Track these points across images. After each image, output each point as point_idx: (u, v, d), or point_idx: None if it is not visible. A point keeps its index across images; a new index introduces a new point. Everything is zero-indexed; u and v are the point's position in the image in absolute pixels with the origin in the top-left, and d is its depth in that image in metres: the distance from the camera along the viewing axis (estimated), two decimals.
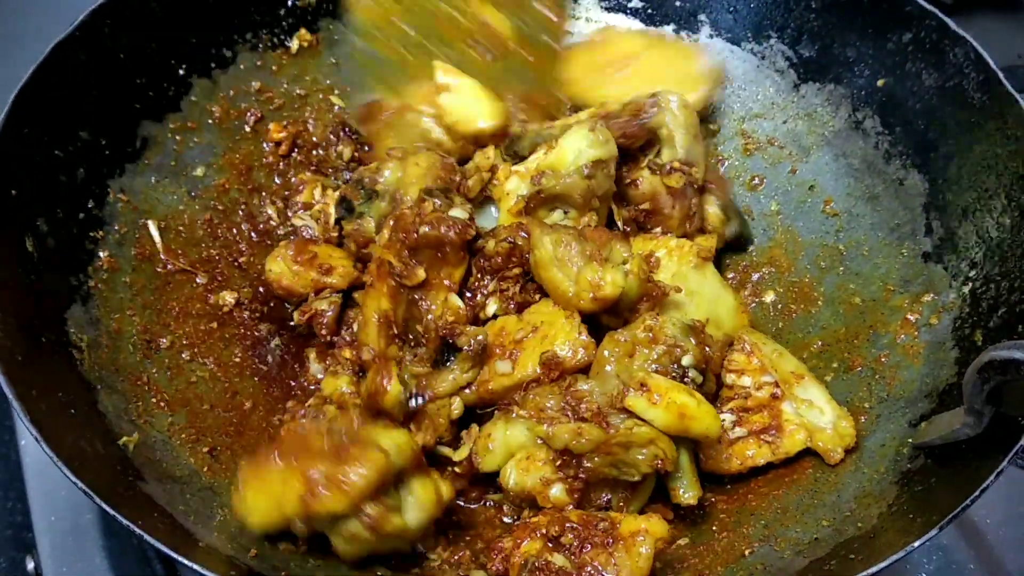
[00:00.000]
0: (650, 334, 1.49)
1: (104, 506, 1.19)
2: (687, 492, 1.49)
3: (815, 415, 1.57)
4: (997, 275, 1.55)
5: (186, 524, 1.33)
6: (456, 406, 1.56)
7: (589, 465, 1.43)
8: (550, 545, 1.37)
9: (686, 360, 1.49)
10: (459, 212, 1.62)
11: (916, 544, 1.19)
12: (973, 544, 1.71)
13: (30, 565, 1.66)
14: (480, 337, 1.54)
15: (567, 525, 1.38)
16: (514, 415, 1.49)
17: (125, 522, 1.19)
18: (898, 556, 1.17)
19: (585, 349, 1.52)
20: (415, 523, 1.40)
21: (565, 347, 1.52)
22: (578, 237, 1.57)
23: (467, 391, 1.56)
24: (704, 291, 1.68)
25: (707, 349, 1.53)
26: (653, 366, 1.48)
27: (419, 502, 1.41)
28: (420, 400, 1.53)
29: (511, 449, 1.51)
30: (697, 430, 1.43)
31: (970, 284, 1.59)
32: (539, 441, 1.47)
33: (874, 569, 1.17)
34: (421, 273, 1.57)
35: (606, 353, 1.50)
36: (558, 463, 1.45)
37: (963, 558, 1.70)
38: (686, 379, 1.49)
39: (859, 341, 1.69)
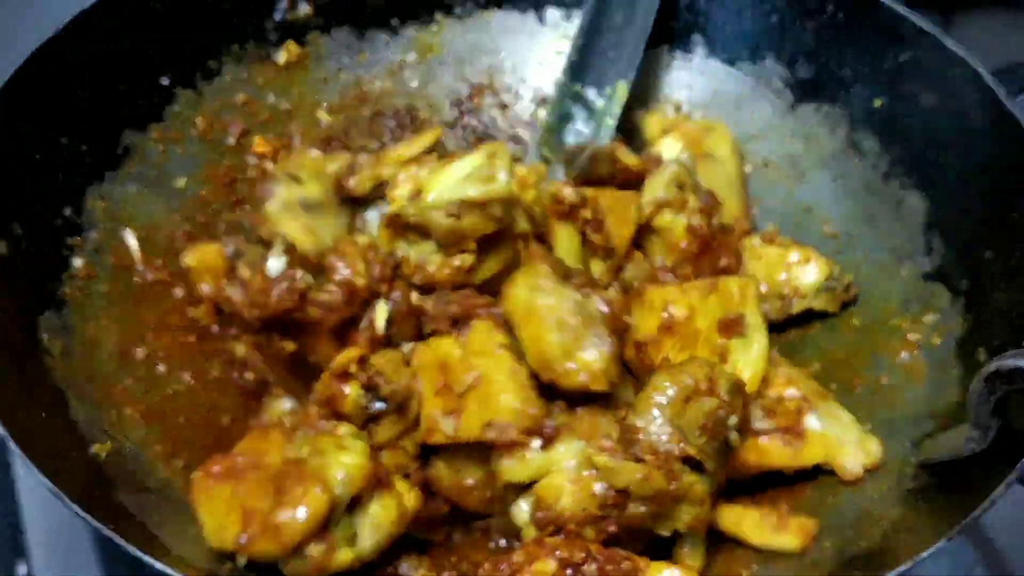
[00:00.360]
0: (708, 384, 1.37)
1: (75, 509, 1.15)
2: (693, 558, 1.39)
3: (840, 430, 1.50)
4: (998, 294, 1.51)
5: (159, 534, 1.27)
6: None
7: (634, 511, 1.31)
8: (569, 572, 1.29)
9: (731, 421, 1.37)
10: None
11: (924, 555, 1.14)
12: (981, 547, 1.68)
13: (22, 570, 1.65)
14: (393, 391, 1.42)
15: (589, 554, 1.29)
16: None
17: (95, 524, 1.15)
18: (904, 568, 1.13)
19: (534, 423, 1.36)
20: (370, 548, 1.31)
21: (510, 419, 1.35)
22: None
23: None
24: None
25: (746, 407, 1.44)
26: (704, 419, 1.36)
27: (376, 523, 1.31)
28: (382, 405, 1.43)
29: (549, 468, 1.35)
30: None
31: (972, 303, 1.56)
32: (591, 472, 1.33)
33: None
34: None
35: (663, 392, 1.35)
36: (608, 501, 1.32)
37: (970, 561, 1.67)
38: (728, 441, 1.39)
39: (858, 362, 1.65)
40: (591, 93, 1.90)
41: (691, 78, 1.97)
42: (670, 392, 1.35)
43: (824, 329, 1.73)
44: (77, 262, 1.57)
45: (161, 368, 1.57)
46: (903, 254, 1.70)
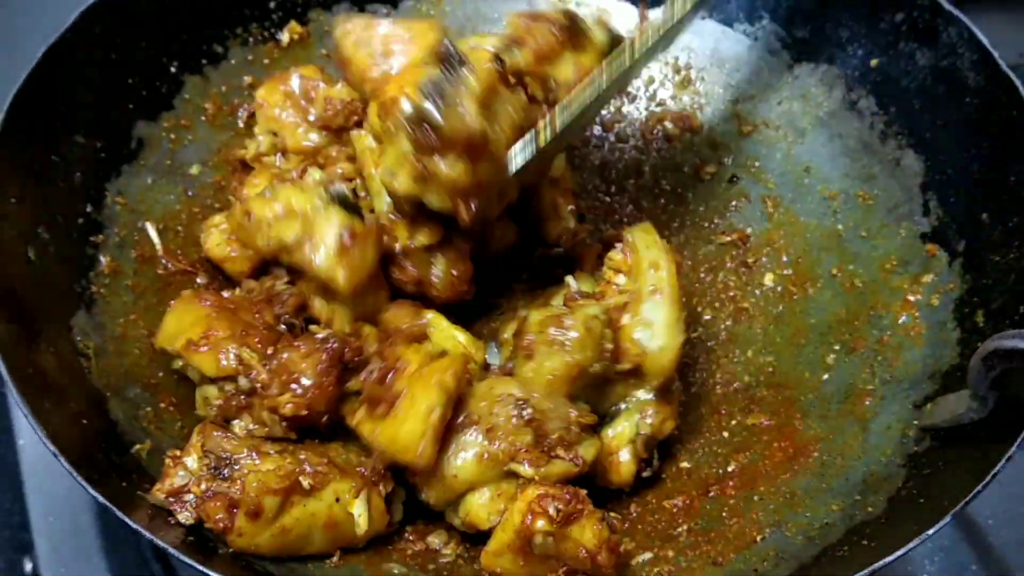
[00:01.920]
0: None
1: (123, 517, 1.20)
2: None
3: (646, 336, 1.53)
4: (995, 256, 1.56)
5: (204, 532, 1.33)
6: None
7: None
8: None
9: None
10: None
11: (931, 532, 1.20)
12: (974, 545, 1.72)
13: (28, 566, 1.68)
14: None
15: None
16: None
17: (148, 535, 1.19)
18: (912, 545, 1.19)
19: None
20: None
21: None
22: None
23: None
24: None
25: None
26: None
27: None
28: None
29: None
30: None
31: (969, 265, 1.60)
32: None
33: (890, 559, 1.18)
34: None
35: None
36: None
37: (964, 559, 1.70)
38: None
39: (860, 323, 1.70)
40: None
41: (689, 39, 1.98)
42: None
43: (826, 288, 1.77)
44: (102, 259, 1.61)
45: None
46: (901, 214, 1.74)
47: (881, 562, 1.18)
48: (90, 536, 1.67)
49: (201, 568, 1.21)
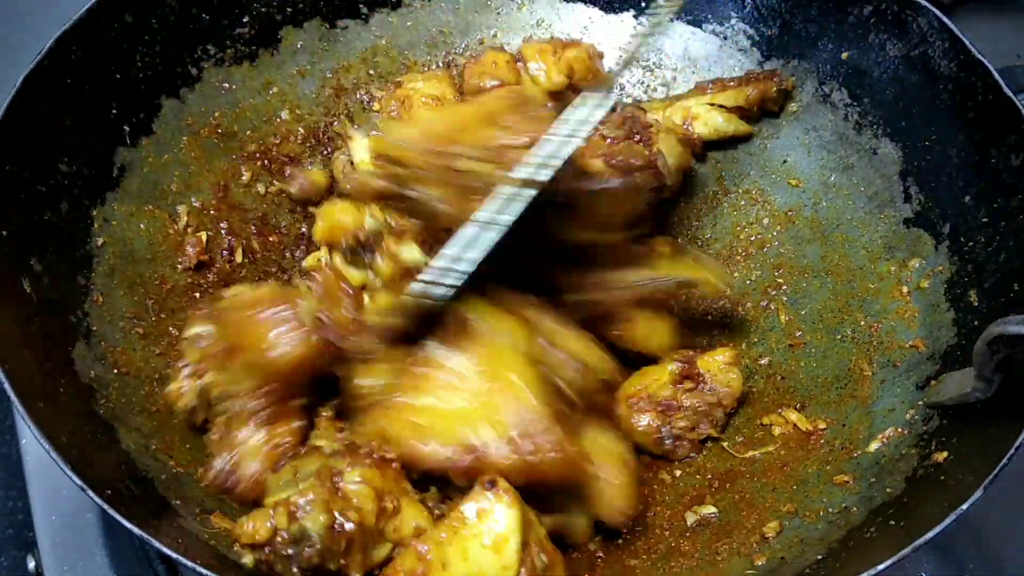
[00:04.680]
0: None
1: (159, 546, 1.17)
2: None
3: None
4: (982, 237, 1.59)
5: (228, 554, 1.31)
6: None
7: None
8: None
9: None
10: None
11: (964, 507, 1.22)
12: (973, 544, 1.73)
13: (31, 564, 1.66)
14: None
15: None
16: None
17: (175, 556, 1.17)
18: (948, 520, 1.21)
19: None
20: None
21: None
22: None
23: None
24: None
25: None
26: None
27: None
28: None
29: None
30: None
31: (956, 247, 1.64)
32: None
33: (929, 535, 1.20)
34: None
35: None
36: None
37: (963, 557, 1.72)
38: None
39: (851, 310, 1.73)
40: None
41: (659, 41, 2.01)
42: None
43: (815, 277, 1.80)
44: (94, 288, 1.57)
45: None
46: (882, 201, 1.78)
47: (922, 539, 1.20)
48: (93, 534, 1.66)
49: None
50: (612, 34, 2.03)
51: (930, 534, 1.20)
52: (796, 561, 1.39)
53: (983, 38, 1.66)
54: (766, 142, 1.94)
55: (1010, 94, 1.58)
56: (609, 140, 1.75)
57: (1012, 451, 1.25)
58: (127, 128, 1.70)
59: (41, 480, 1.69)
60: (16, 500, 1.77)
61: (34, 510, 1.67)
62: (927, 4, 1.70)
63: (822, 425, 1.62)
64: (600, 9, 2.04)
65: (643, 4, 2.01)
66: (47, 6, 2.11)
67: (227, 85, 1.85)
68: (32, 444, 1.69)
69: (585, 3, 2.04)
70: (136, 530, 1.16)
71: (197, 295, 1.69)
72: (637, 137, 1.77)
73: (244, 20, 1.85)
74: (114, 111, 1.68)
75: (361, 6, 1.96)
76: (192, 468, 1.48)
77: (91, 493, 1.18)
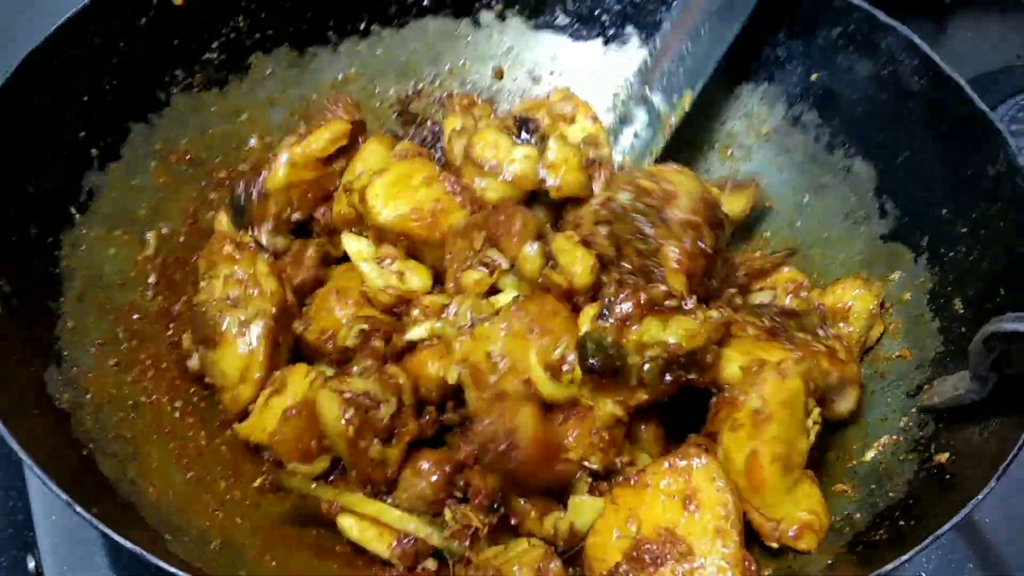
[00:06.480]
0: None
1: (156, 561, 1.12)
2: None
3: None
4: (961, 247, 1.61)
5: None
6: None
7: None
8: None
9: None
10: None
11: (980, 496, 1.21)
12: (973, 543, 1.73)
13: (31, 564, 1.65)
14: None
15: None
16: None
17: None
18: (967, 510, 1.20)
19: None
20: None
21: None
22: None
23: None
24: None
25: None
26: None
27: None
28: None
29: None
30: None
31: (935, 258, 1.65)
32: None
33: (947, 526, 1.19)
34: None
35: None
36: None
37: (963, 557, 1.71)
38: None
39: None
40: (658, 99, 1.90)
41: (629, 68, 2.01)
42: None
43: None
44: (64, 312, 1.52)
45: (171, 411, 1.54)
46: (858, 219, 1.79)
47: (940, 530, 1.18)
48: (93, 534, 1.62)
49: None
50: (580, 62, 2.03)
51: (947, 525, 1.18)
52: (804, 569, 1.36)
53: (983, 38, 1.67)
54: (739, 165, 1.95)
55: (983, 107, 1.61)
56: None
57: (1020, 441, 1.24)
58: (95, 152, 1.66)
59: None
60: (16, 500, 1.71)
61: (34, 510, 1.65)
62: (895, 24, 1.73)
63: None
64: (569, 37, 2.04)
65: (611, 32, 2.02)
66: (14, 27, 2.06)
67: (196, 111, 1.81)
68: None
69: (554, 31, 2.04)
70: (130, 545, 1.11)
71: (164, 323, 1.64)
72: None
73: (213, 46, 1.81)
74: (82, 134, 1.64)
75: (330, 33, 1.94)
76: (167, 494, 1.42)
77: (79, 508, 1.12)
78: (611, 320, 1.40)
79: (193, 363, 1.58)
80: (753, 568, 1.31)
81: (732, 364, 1.46)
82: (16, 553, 1.68)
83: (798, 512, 1.40)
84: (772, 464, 1.38)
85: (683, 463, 1.37)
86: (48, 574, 1.60)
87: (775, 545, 1.40)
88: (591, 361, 1.37)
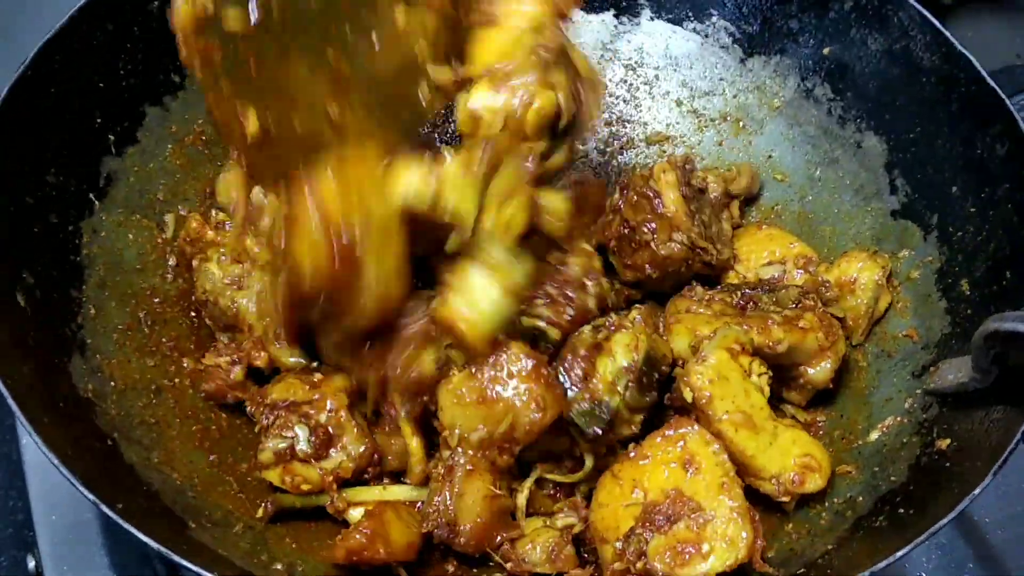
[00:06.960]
0: None
1: (176, 558, 1.16)
2: None
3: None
4: (971, 227, 1.61)
5: (246, 567, 1.29)
6: None
7: None
8: None
9: None
10: None
11: (977, 492, 1.23)
12: (972, 543, 1.74)
13: (31, 564, 1.66)
14: None
15: None
16: None
17: (197, 570, 1.16)
18: (960, 507, 1.22)
19: None
20: None
21: None
22: None
23: None
24: None
25: None
26: None
27: None
28: None
29: None
30: None
31: (945, 236, 1.65)
32: None
33: (938, 526, 1.21)
34: None
35: None
36: None
37: (962, 556, 1.73)
38: None
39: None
40: None
41: (640, 40, 2.02)
42: None
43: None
44: (86, 300, 1.55)
45: (191, 392, 1.58)
46: (869, 194, 1.80)
47: (936, 526, 1.21)
48: (93, 534, 1.65)
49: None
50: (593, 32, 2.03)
51: (944, 520, 1.21)
52: (806, 552, 1.40)
53: (983, 38, 1.65)
54: (750, 138, 1.95)
55: (993, 85, 1.61)
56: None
57: (1018, 435, 1.27)
58: (112, 137, 1.67)
59: (41, 480, 1.69)
60: (16, 500, 1.75)
61: (34, 510, 1.66)
62: None
63: (821, 417, 1.63)
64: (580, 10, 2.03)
65: (623, 4, 2.01)
66: (28, 16, 2.08)
67: None
68: (32, 444, 1.66)
69: None
70: (152, 543, 1.14)
71: (182, 309, 1.68)
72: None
73: None
74: (99, 120, 1.65)
75: None
76: (192, 480, 1.46)
77: (104, 507, 1.16)
78: (576, 386, 1.46)
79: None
80: (757, 519, 1.36)
81: (680, 340, 1.57)
82: (16, 553, 1.71)
83: (790, 460, 1.45)
84: (738, 433, 1.44)
85: (674, 432, 1.43)
86: (48, 574, 1.62)
87: (787, 499, 1.45)
88: (593, 430, 1.45)
